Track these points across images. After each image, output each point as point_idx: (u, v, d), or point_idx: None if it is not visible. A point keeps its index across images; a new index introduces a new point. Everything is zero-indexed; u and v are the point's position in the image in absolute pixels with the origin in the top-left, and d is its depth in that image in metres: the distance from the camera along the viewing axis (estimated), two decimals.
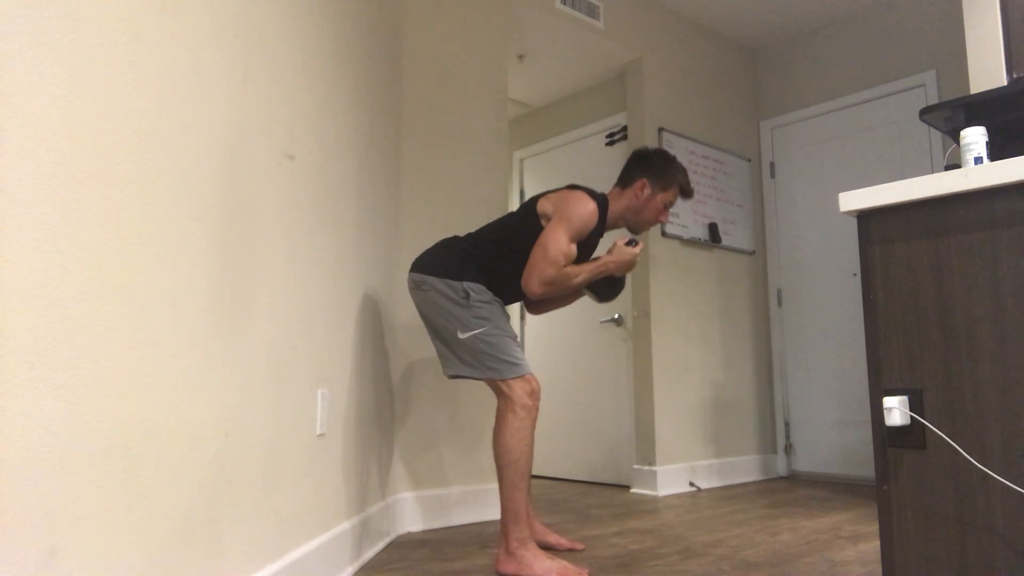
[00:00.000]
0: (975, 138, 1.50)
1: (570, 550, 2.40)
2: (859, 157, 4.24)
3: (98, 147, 1.02)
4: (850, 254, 4.23)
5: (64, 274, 0.95)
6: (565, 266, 2.19)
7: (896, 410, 1.40)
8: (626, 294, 3.95)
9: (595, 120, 4.45)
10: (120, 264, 1.06)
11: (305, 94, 1.82)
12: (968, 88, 2.66)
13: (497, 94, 3.30)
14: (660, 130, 4.03)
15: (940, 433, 1.37)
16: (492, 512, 2.98)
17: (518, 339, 2.25)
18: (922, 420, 1.39)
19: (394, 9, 2.86)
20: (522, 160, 4.94)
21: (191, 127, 1.26)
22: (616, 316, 4.09)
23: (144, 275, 1.12)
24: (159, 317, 1.15)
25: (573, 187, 2.31)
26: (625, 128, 4.15)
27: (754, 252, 4.53)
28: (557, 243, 2.17)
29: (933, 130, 3.88)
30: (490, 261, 2.25)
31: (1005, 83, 2.45)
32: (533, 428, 2.15)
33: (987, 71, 2.51)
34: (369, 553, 2.31)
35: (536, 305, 2.53)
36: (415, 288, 2.26)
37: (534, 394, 2.16)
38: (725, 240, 4.30)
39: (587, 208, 2.21)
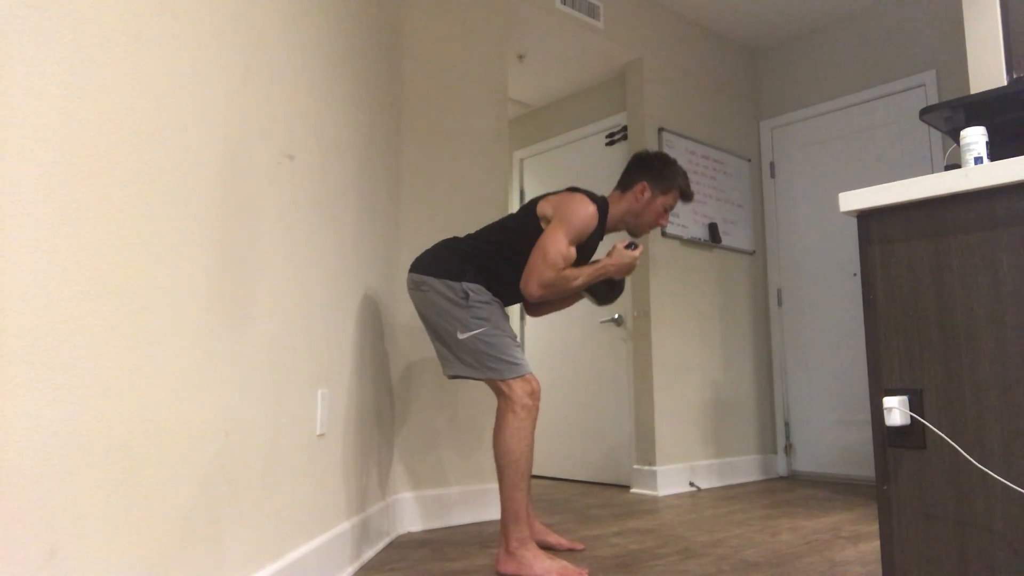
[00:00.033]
0: (975, 138, 1.50)
1: (570, 550, 2.40)
2: (859, 157, 4.24)
3: (98, 147, 1.02)
4: (850, 254, 4.23)
5: (64, 274, 0.95)
6: (564, 269, 2.19)
7: (896, 410, 1.40)
8: (626, 294, 3.95)
9: (595, 120, 4.45)
10: (120, 264, 1.06)
11: (305, 94, 1.82)
12: (968, 88, 2.66)
13: (497, 94, 3.30)
14: (660, 130, 4.03)
15: (940, 433, 1.37)
16: (492, 512, 2.98)
17: (518, 339, 2.25)
18: (922, 420, 1.39)
19: (394, 9, 2.86)
20: (522, 160, 4.94)
21: (191, 127, 1.26)
22: (616, 316, 4.10)
23: (144, 275, 1.12)
24: (159, 317, 1.15)
25: (573, 189, 2.31)
26: (625, 128, 4.15)
27: (754, 252, 4.53)
28: (556, 246, 2.17)
29: (933, 130, 3.88)
30: (489, 262, 2.25)
31: (1005, 83, 2.45)
32: (533, 428, 2.15)
33: (987, 71, 2.51)
34: (369, 553, 2.31)
35: (535, 307, 2.53)
36: (414, 288, 2.26)
37: (534, 394, 2.16)
38: (725, 240, 4.30)
39: (587, 211, 2.21)
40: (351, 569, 2.10)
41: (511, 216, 2.38)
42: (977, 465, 1.31)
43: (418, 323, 2.81)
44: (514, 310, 4.56)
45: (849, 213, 1.50)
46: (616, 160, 4.24)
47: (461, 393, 3.00)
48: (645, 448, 3.78)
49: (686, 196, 2.41)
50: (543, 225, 2.24)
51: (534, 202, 2.31)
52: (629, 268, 2.31)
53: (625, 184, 2.39)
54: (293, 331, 1.71)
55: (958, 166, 1.61)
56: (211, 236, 1.32)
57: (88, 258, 1.00)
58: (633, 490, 3.81)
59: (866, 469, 4.02)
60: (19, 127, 0.89)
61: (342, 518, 2.07)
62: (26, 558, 0.89)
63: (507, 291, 2.28)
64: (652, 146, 3.98)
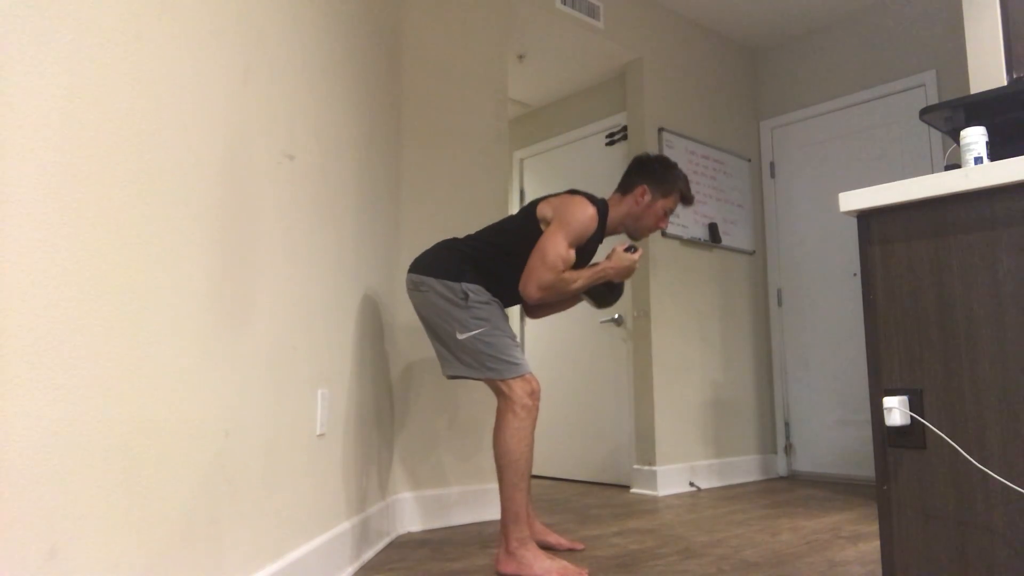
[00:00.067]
0: (975, 138, 1.50)
1: (570, 550, 2.40)
2: (859, 157, 4.24)
3: (98, 147, 1.02)
4: (850, 254, 4.23)
5: (64, 274, 0.95)
6: (563, 271, 2.19)
7: (896, 410, 1.40)
8: (626, 294, 3.95)
9: (595, 120, 4.45)
10: (120, 264, 1.06)
11: (305, 94, 1.82)
12: (968, 88, 2.66)
13: (497, 94, 3.30)
14: (660, 130, 4.03)
15: (940, 433, 1.37)
16: (492, 512, 2.98)
17: (517, 340, 2.25)
18: (922, 420, 1.39)
19: (394, 9, 2.86)
20: (522, 160, 4.94)
21: (191, 127, 1.26)
22: (616, 316, 4.10)
23: (144, 275, 1.12)
24: (159, 317, 1.15)
25: (573, 192, 2.31)
26: (625, 128, 4.15)
27: (754, 252, 4.53)
28: (556, 248, 2.17)
29: (933, 130, 3.88)
30: (489, 264, 2.25)
31: (1005, 83, 2.45)
32: (533, 428, 2.15)
33: (987, 71, 2.51)
34: (369, 553, 2.31)
35: (534, 309, 2.53)
36: (413, 289, 2.26)
37: (534, 394, 2.16)
38: (725, 240, 4.30)
39: (586, 213, 2.21)
40: (351, 569, 2.10)
41: (511, 218, 2.38)
42: (977, 465, 1.31)
43: (418, 323, 2.81)
44: (514, 310, 4.56)
45: (849, 213, 1.50)
46: (616, 160, 4.24)
47: (461, 393, 3.00)
48: (645, 448, 3.78)
49: (686, 200, 2.40)
50: (543, 227, 2.24)
51: (534, 204, 2.31)
52: (628, 271, 2.31)
53: (625, 187, 2.39)
54: (293, 331, 1.71)
55: (958, 166, 1.61)
56: (211, 236, 1.32)
57: (88, 258, 1.00)
58: (633, 490, 3.81)
59: (866, 469, 4.02)
60: (19, 127, 0.89)
61: (342, 518, 2.07)
62: (26, 558, 0.89)
63: (506, 292, 2.28)
64: (652, 146, 3.98)
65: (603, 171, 4.31)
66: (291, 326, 1.70)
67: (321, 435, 1.90)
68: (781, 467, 4.42)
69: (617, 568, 2.18)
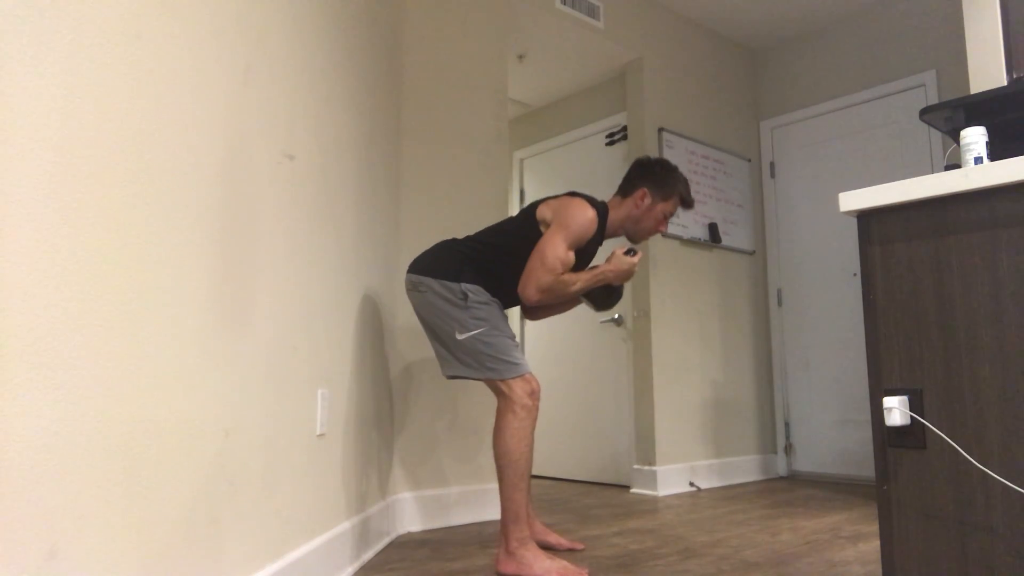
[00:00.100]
0: (975, 138, 1.50)
1: (570, 550, 2.40)
2: (859, 157, 4.24)
3: (98, 147, 1.02)
4: (850, 254, 4.23)
5: (64, 274, 0.95)
6: (562, 274, 2.18)
7: (896, 410, 1.40)
8: (626, 294, 3.95)
9: (595, 120, 4.45)
10: (120, 264, 1.06)
11: (305, 94, 1.82)
12: (968, 88, 2.66)
13: (497, 94, 3.30)
14: (660, 130, 4.03)
15: (940, 433, 1.37)
16: (492, 512, 2.98)
17: (516, 340, 2.25)
18: (922, 420, 1.39)
19: (394, 9, 2.86)
20: (522, 160, 4.94)
21: (191, 127, 1.26)
22: (616, 316, 4.10)
23: (144, 275, 1.12)
24: (159, 317, 1.15)
25: (573, 194, 2.30)
26: (625, 128, 4.15)
27: (754, 252, 4.53)
28: (555, 250, 2.17)
29: (933, 130, 3.88)
30: (488, 265, 2.25)
31: (1005, 83, 2.46)
32: (533, 428, 2.15)
33: (987, 71, 2.51)
34: (369, 553, 2.31)
35: (533, 311, 2.53)
36: (412, 289, 2.26)
37: (534, 394, 2.16)
38: (725, 240, 4.30)
39: (586, 216, 2.21)
40: (351, 569, 2.10)
41: (510, 219, 2.38)
42: (977, 465, 1.31)
43: (417, 323, 2.81)
44: (515, 310, 4.56)
45: (849, 213, 1.50)
46: (616, 160, 4.24)
47: (461, 393, 3.00)
48: (645, 448, 3.78)
49: (686, 203, 2.41)
50: (542, 229, 2.24)
51: (534, 206, 2.31)
52: (628, 275, 2.31)
53: (626, 190, 2.39)
54: (293, 331, 1.71)
55: (958, 166, 1.61)
56: (211, 236, 1.32)
57: (88, 258, 1.00)
58: (633, 490, 3.81)
59: (866, 469, 4.02)
60: (19, 127, 0.89)
61: (342, 518, 2.07)
62: (26, 558, 0.89)
63: (505, 294, 2.28)
64: (652, 146, 3.98)
65: (603, 171, 4.31)
66: (291, 326, 1.70)
67: (321, 435, 1.90)
68: (781, 467, 4.42)
69: (617, 568, 2.18)
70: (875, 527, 2.76)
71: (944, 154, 3.80)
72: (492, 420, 2.53)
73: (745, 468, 4.21)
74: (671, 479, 3.76)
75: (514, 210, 4.77)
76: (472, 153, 3.18)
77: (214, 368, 1.33)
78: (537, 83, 4.47)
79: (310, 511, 1.80)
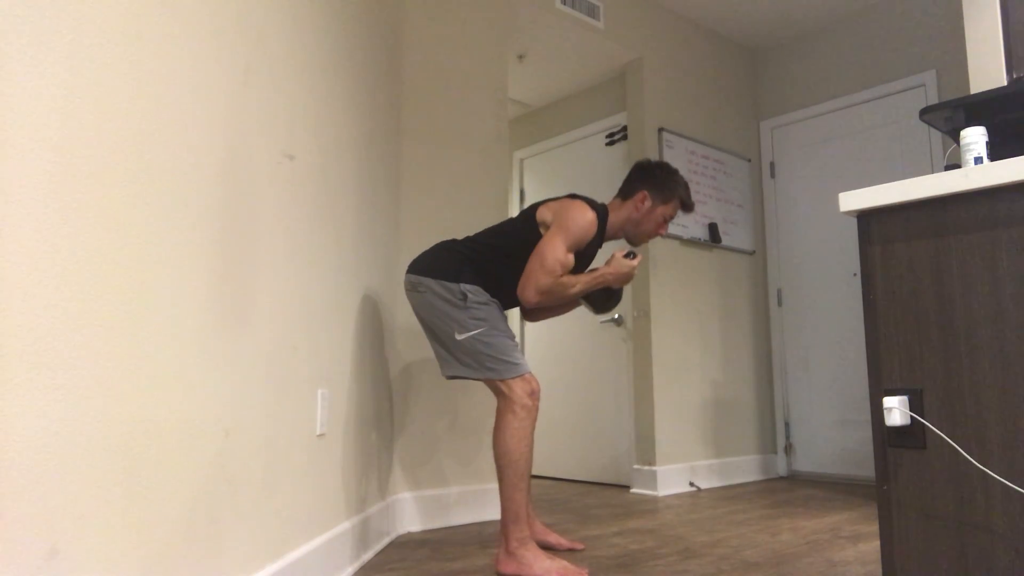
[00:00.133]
0: (975, 138, 1.50)
1: (570, 550, 2.40)
2: (859, 157, 4.24)
3: (98, 147, 1.02)
4: (850, 254, 4.23)
5: (64, 274, 0.95)
6: (562, 276, 2.18)
7: (896, 410, 1.40)
8: (626, 295, 3.95)
9: (595, 120, 4.45)
10: (120, 264, 1.06)
11: (305, 94, 1.82)
12: (968, 88, 2.66)
13: (497, 94, 3.30)
14: (660, 130, 4.03)
15: (940, 433, 1.37)
16: (492, 512, 2.98)
17: (516, 340, 2.25)
18: (922, 420, 1.39)
19: (394, 9, 2.86)
20: (522, 160, 4.94)
21: (191, 127, 1.26)
22: (616, 316, 4.10)
23: (144, 275, 1.12)
24: (159, 317, 1.15)
25: (573, 196, 2.30)
26: (625, 128, 4.15)
27: (754, 252, 4.53)
28: (554, 252, 2.17)
29: (933, 130, 3.88)
30: (488, 266, 2.25)
31: (1005, 83, 2.45)
32: (533, 428, 2.15)
33: (987, 71, 2.51)
34: (369, 553, 2.31)
35: (532, 313, 2.53)
36: (411, 290, 2.26)
37: (534, 394, 2.16)
38: (725, 240, 4.30)
39: (586, 218, 2.21)
40: (351, 569, 2.10)
41: (510, 220, 2.38)
42: (977, 465, 1.31)
43: (417, 324, 2.81)
44: (514, 311, 4.56)
45: (849, 213, 1.50)
46: (616, 160, 4.24)
47: (461, 393, 3.00)
48: (645, 448, 3.78)
49: (686, 207, 2.41)
50: (542, 231, 2.24)
51: (534, 207, 2.31)
52: (627, 277, 2.31)
53: (626, 192, 2.39)
54: (293, 331, 1.71)
55: (958, 166, 1.61)
56: (211, 236, 1.32)
57: (88, 258, 1.00)
58: (633, 490, 3.81)
59: (866, 469, 4.01)
60: (19, 127, 0.89)
61: (342, 518, 2.07)
62: (26, 558, 0.89)
63: (505, 295, 2.28)
64: (652, 146, 3.98)
65: (603, 171, 4.31)
66: (291, 326, 1.70)
67: (321, 435, 1.90)
68: (781, 467, 4.42)
69: (617, 568, 2.18)
70: (875, 527, 2.76)
71: (944, 154, 3.80)
72: (492, 420, 2.53)
73: (745, 468, 4.21)
74: (671, 479, 3.76)
75: (514, 210, 4.77)
76: (472, 153, 3.18)
77: (214, 368, 1.33)
78: (537, 83, 4.47)
79: (310, 511, 1.80)
